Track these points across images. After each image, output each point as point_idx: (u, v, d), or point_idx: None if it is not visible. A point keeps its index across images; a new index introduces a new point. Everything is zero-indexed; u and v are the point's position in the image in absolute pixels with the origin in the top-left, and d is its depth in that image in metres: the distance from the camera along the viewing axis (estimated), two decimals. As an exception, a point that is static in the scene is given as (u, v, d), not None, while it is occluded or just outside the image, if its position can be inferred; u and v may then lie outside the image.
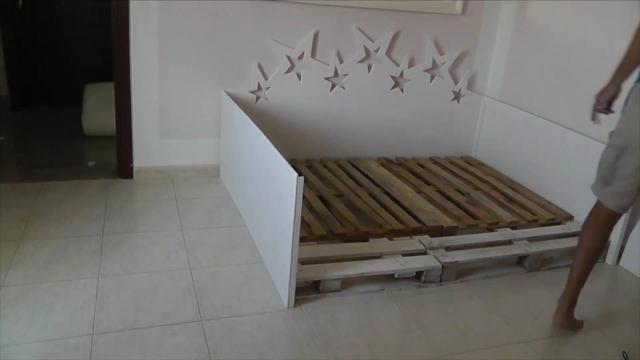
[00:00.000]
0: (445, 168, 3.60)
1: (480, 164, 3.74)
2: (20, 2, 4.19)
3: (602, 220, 2.02)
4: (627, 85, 1.94)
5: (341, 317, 2.09)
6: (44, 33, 4.36)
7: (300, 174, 1.92)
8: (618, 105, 1.98)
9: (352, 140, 3.64)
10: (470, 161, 3.78)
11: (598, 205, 2.03)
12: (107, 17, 4.27)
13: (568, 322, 2.15)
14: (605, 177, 1.98)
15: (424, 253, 2.49)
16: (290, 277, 2.06)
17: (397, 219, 2.76)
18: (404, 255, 2.44)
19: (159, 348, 1.82)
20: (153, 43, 3.01)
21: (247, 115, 2.68)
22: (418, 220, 2.76)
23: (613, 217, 2.01)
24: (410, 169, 3.54)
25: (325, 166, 3.46)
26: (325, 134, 3.55)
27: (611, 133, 1.99)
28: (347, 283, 2.28)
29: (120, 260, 2.32)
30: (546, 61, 3.32)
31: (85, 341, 1.82)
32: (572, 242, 2.70)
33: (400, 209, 2.87)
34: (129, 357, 1.77)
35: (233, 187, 3.04)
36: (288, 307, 2.10)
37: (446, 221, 2.78)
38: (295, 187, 1.93)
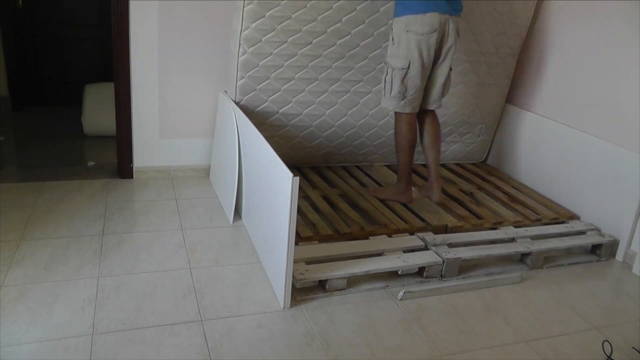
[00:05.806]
0: (448, 168, 3.59)
1: (483, 164, 3.74)
2: (20, 2, 4.18)
3: (406, 122, 2.64)
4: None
5: (341, 317, 2.09)
6: (44, 33, 4.36)
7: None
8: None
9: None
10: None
11: (399, 116, 2.65)
12: (107, 17, 4.27)
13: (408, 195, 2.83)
14: (401, 92, 2.56)
15: (425, 249, 2.50)
16: (285, 278, 2.05)
17: (402, 218, 2.76)
18: (405, 251, 2.45)
19: (159, 348, 1.82)
20: (153, 43, 3.00)
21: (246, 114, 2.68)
22: (422, 220, 2.76)
23: (413, 117, 2.66)
24: (413, 169, 3.52)
25: (328, 167, 3.44)
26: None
27: (386, 62, 2.57)
28: (352, 281, 2.28)
29: (120, 260, 2.32)
30: (553, 63, 3.31)
31: (85, 341, 1.82)
32: (575, 241, 2.71)
33: (405, 209, 2.87)
34: (129, 357, 1.77)
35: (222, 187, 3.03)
36: (284, 308, 2.09)
37: (450, 221, 2.78)
38: (290, 188, 1.93)
